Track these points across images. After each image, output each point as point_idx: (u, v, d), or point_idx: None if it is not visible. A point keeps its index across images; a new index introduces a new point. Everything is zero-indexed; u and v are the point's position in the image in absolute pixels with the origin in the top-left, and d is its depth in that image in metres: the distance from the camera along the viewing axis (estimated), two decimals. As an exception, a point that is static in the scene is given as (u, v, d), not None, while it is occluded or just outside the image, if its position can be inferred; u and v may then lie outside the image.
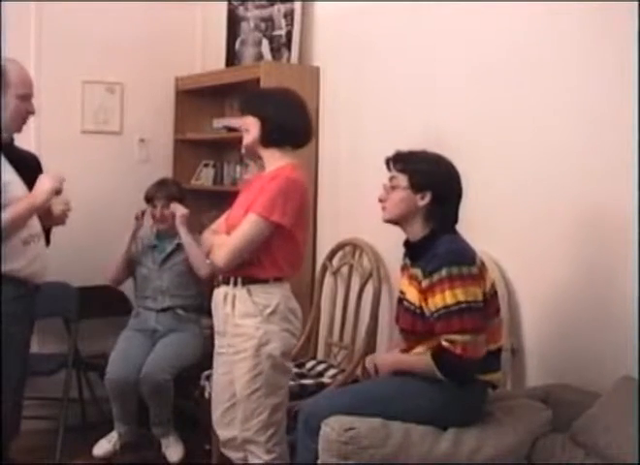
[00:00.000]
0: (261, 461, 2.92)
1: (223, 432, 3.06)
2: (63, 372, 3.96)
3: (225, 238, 2.91)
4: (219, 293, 2.99)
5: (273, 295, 2.88)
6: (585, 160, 2.77)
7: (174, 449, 3.76)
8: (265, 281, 2.89)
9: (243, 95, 3.10)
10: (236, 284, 2.91)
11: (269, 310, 2.86)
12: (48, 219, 2.94)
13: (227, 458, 3.12)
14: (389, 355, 2.78)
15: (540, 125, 2.92)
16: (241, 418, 2.93)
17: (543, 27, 2.90)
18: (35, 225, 2.84)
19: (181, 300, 3.98)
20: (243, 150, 3.04)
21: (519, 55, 2.99)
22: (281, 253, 2.89)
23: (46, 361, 3.91)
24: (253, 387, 2.87)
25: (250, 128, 2.94)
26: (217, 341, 3.04)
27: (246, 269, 2.88)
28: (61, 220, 3.00)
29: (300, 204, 2.88)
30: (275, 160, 2.94)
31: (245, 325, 2.88)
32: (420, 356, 2.56)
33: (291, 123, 2.93)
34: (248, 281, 2.89)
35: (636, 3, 2.56)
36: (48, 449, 3.78)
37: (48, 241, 3.08)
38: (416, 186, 2.59)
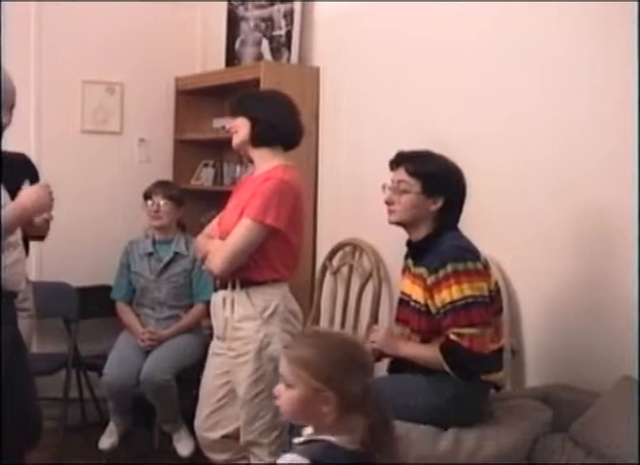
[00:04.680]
0: (263, 462, 2.92)
1: (206, 434, 3.05)
2: (63, 372, 3.96)
3: (220, 244, 2.90)
4: (218, 297, 2.98)
5: (273, 297, 2.88)
6: (585, 160, 2.77)
7: (184, 443, 3.77)
8: (263, 283, 2.88)
9: (233, 97, 3.10)
10: (234, 287, 2.90)
11: (268, 312, 2.86)
12: (30, 228, 2.88)
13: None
14: (401, 347, 2.66)
15: (540, 125, 2.92)
16: (245, 420, 2.92)
17: (543, 28, 2.90)
18: (16, 231, 2.78)
19: (179, 310, 3.98)
20: (236, 148, 3.05)
21: (520, 56, 2.99)
22: (277, 255, 2.88)
23: (46, 361, 3.91)
24: (256, 390, 2.87)
25: (240, 129, 2.94)
26: (215, 343, 3.04)
27: (244, 272, 2.87)
28: (42, 230, 2.92)
29: (293, 206, 2.86)
30: (266, 160, 2.94)
31: (245, 328, 2.87)
32: (428, 348, 2.55)
33: (281, 122, 2.92)
34: (247, 284, 2.88)
35: (636, 3, 2.56)
36: (47, 448, 3.77)
37: (26, 250, 2.95)
38: (429, 191, 2.59)
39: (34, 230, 2.88)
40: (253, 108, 2.95)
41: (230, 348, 2.92)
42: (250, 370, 2.86)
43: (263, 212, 2.79)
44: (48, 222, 2.91)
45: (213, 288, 3.05)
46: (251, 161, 3.03)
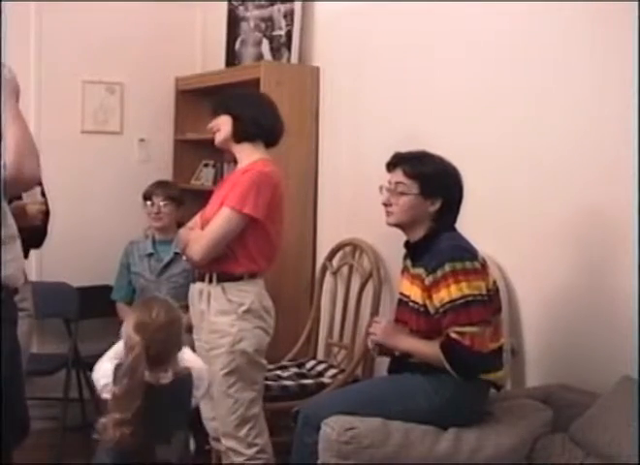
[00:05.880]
0: (244, 457, 2.98)
1: (213, 424, 3.12)
2: (63, 372, 3.96)
3: (200, 233, 2.97)
4: (195, 288, 3.06)
5: (248, 294, 2.94)
6: (585, 160, 2.77)
7: None
8: (239, 278, 2.94)
9: (215, 98, 3.19)
10: (211, 281, 2.96)
11: (243, 308, 2.92)
12: (23, 219, 2.87)
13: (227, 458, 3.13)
14: (401, 340, 2.66)
15: (542, 127, 2.92)
16: (220, 414, 3.00)
17: (542, 30, 2.90)
18: (11, 224, 2.77)
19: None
20: (219, 146, 3.11)
21: (518, 56, 2.99)
22: (255, 246, 2.95)
23: (46, 361, 3.91)
24: (229, 382, 2.93)
25: (222, 126, 3.04)
26: (195, 335, 3.10)
27: (221, 264, 2.93)
28: (36, 219, 2.93)
29: (272, 197, 2.93)
30: (248, 155, 3.02)
31: (220, 322, 2.93)
32: (427, 344, 2.55)
33: (262, 118, 3.02)
34: (223, 278, 2.94)
35: (636, 3, 2.56)
36: (47, 448, 3.78)
37: (26, 251, 2.73)
38: (427, 193, 2.59)
39: (29, 221, 2.87)
40: (234, 105, 3.05)
41: (205, 341, 3.00)
42: (223, 363, 2.92)
43: (241, 201, 2.87)
44: (43, 213, 2.93)
45: (192, 279, 3.12)
46: (234, 160, 3.10)
